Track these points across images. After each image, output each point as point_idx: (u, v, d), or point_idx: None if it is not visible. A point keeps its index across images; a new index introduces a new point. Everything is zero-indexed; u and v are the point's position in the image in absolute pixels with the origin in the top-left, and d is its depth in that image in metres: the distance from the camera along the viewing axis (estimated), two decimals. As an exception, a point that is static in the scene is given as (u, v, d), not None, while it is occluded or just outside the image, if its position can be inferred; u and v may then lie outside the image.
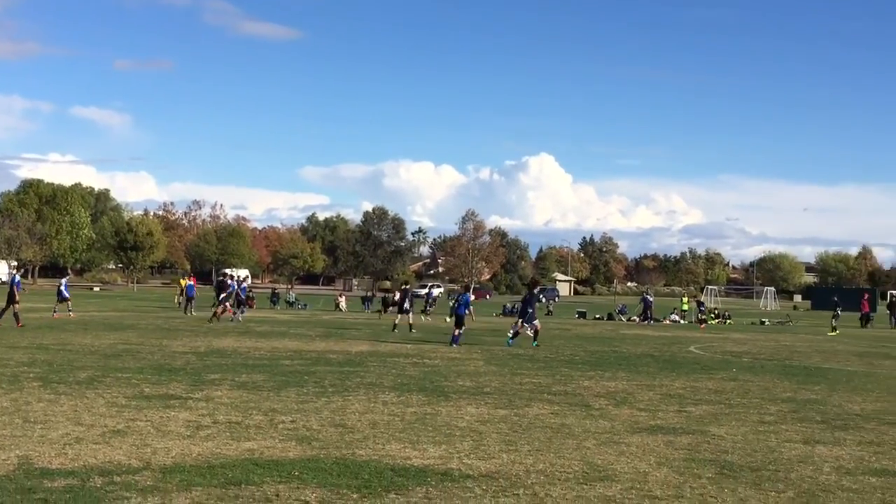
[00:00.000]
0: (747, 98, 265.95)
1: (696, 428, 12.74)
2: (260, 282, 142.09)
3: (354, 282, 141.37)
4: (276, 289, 79.02)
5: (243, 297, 40.39)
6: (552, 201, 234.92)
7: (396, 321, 34.99)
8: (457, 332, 28.13)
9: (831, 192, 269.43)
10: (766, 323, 59.74)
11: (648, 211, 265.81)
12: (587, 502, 8.27)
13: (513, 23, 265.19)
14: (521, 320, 28.31)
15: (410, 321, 34.97)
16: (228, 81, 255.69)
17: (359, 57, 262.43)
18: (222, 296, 39.58)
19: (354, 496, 8.22)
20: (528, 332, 28.04)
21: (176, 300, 56.46)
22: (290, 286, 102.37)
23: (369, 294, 72.32)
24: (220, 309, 38.63)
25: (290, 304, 65.74)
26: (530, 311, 28.07)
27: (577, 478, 9.25)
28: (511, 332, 28.54)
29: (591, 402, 15.28)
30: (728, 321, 58.26)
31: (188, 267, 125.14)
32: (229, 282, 40.67)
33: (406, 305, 35.33)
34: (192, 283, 48.13)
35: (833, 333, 43.13)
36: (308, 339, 28.56)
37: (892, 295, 74.26)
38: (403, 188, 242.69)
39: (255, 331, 32.47)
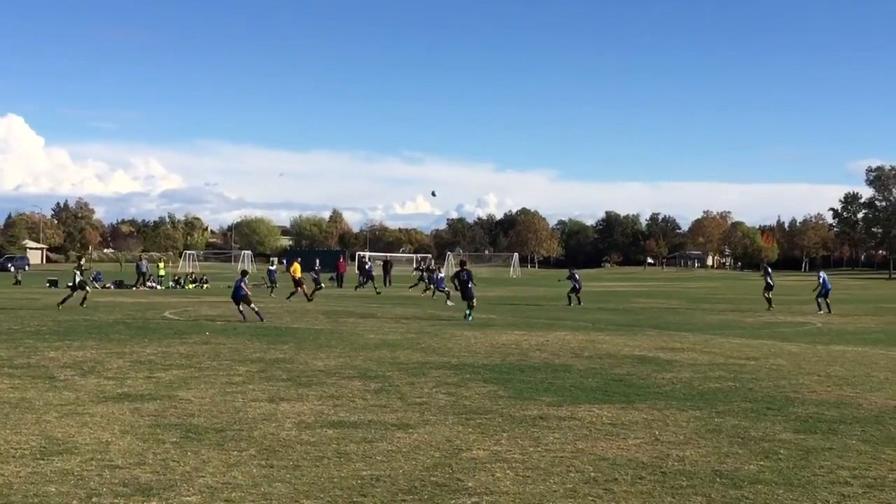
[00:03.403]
0: (215, 62, 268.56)
1: (165, 393, 12.71)
2: None
3: None
4: None
5: None
6: (22, 165, 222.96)
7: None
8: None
9: (304, 159, 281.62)
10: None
11: (126, 176, 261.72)
12: (43, 478, 7.94)
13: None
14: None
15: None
16: None
17: None
18: None
19: None
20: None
21: None
22: None
23: None
24: None
25: None
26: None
27: (34, 453, 8.87)
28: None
29: (57, 373, 14.70)
30: (206, 286, 58.59)
31: None
32: None
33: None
34: None
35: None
36: None
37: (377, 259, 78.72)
38: None
39: None
